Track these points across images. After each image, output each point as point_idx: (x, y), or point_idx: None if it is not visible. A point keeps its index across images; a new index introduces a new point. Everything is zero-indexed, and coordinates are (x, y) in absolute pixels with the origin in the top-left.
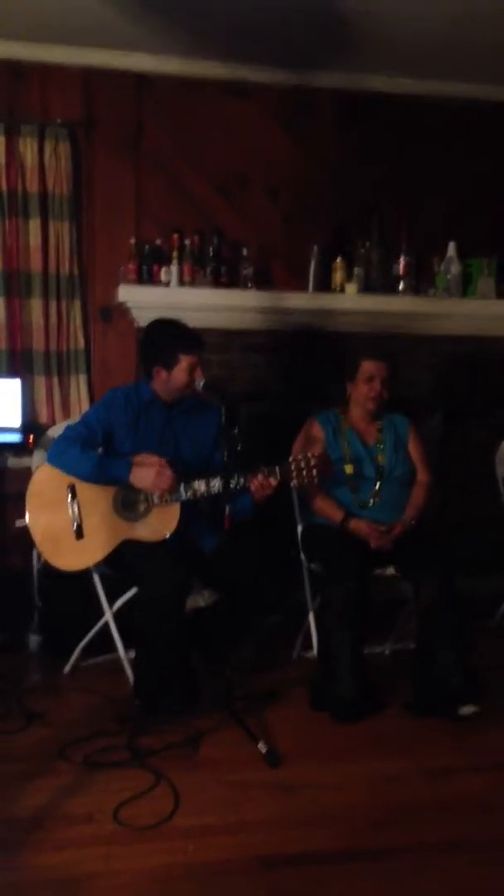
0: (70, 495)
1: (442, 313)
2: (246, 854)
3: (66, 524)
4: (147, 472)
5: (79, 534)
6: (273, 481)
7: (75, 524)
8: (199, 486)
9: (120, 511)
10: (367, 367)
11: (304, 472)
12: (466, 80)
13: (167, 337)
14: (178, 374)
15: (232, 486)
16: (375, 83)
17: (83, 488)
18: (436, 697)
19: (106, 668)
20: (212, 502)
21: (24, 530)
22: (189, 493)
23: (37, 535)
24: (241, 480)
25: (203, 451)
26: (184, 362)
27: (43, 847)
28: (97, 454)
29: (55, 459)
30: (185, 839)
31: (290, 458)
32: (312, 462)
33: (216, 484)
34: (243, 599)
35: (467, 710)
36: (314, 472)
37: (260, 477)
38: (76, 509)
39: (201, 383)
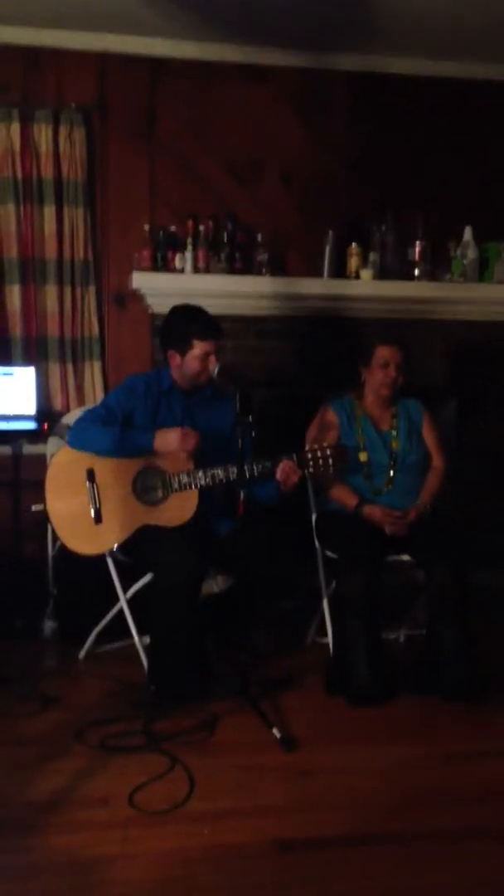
0: (88, 479)
1: (458, 299)
2: (261, 838)
3: (85, 508)
4: (171, 436)
5: (97, 518)
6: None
7: (94, 508)
8: (218, 472)
9: (139, 495)
10: (383, 352)
11: (321, 462)
12: (485, 62)
13: (184, 322)
14: (191, 360)
15: (247, 473)
16: (392, 65)
17: (102, 472)
18: (438, 682)
19: (121, 653)
20: (227, 488)
21: (41, 515)
22: (208, 480)
23: (55, 519)
24: (263, 466)
25: (222, 439)
26: (197, 349)
27: (59, 829)
28: (118, 428)
29: (76, 441)
30: (200, 823)
31: (307, 448)
32: (329, 452)
33: (235, 471)
34: (258, 585)
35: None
36: (330, 461)
37: (288, 463)
38: (95, 493)
39: (216, 369)
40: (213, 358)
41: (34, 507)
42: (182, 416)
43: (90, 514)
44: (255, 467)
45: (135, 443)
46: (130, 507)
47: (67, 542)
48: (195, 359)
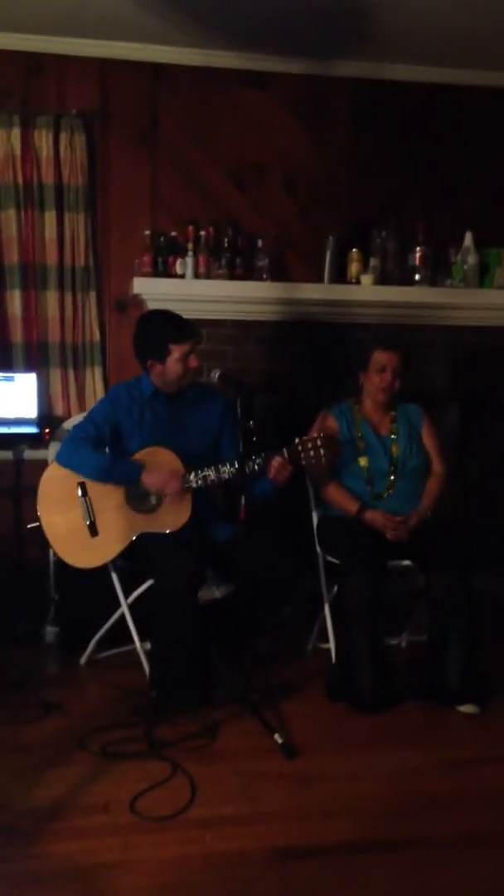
0: (81, 492)
1: (458, 304)
2: (262, 845)
3: (80, 522)
4: (158, 475)
5: (92, 531)
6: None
7: (88, 522)
8: (210, 473)
9: (132, 504)
10: (379, 357)
11: (312, 452)
12: (486, 69)
13: (157, 329)
14: (172, 364)
15: (246, 470)
16: (393, 72)
17: (94, 485)
18: (438, 688)
19: (122, 659)
20: (227, 493)
21: (40, 531)
22: (199, 482)
23: (51, 535)
24: (255, 464)
25: (210, 438)
26: (175, 353)
27: (60, 836)
28: (108, 455)
29: (66, 460)
30: (202, 830)
31: (297, 440)
32: (319, 442)
33: (226, 470)
34: (258, 591)
35: (466, 709)
36: (321, 451)
37: (278, 459)
38: (88, 506)
39: (217, 374)
40: (193, 358)
41: (30, 525)
42: (169, 422)
43: (85, 527)
44: (249, 465)
45: (123, 473)
46: (125, 517)
47: (65, 557)
48: (176, 362)
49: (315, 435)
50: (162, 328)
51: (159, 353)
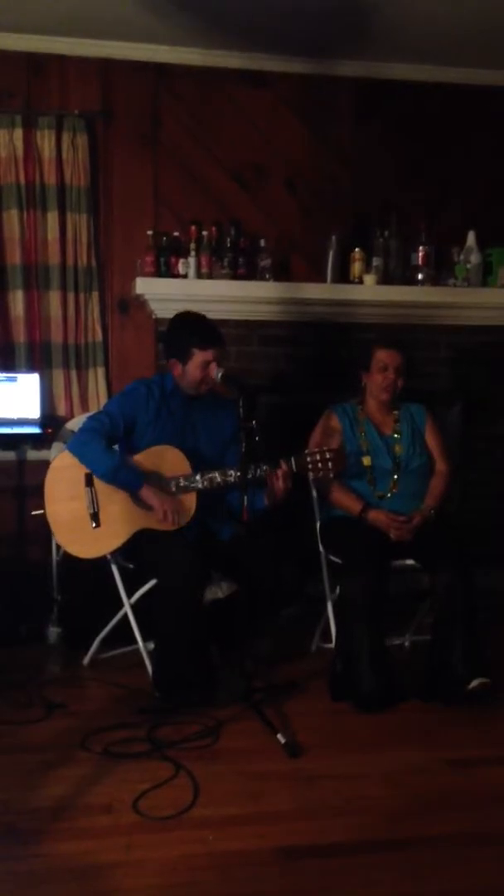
0: (87, 484)
1: (461, 303)
2: (266, 845)
3: (83, 513)
4: (157, 497)
5: (96, 522)
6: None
7: (91, 512)
8: (216, 476)
9: (136, 500)
10: (381, 356)
11: (321, 466)
12: (487, 68)
13: (184, 331)
14: (192, 368)
15: (249, 475)
16: (395, 71)
17: None
18: (445, 684)
19: (125, 659)
20: (231, 494)
21: (43, 520)
22: (206, 483)
23: (54, 524)
24: (261, 470)
25: (220, 445)
26: (198, 357)
27: (63, 836)
28: (118, 455)
29: (77, 449)
30: (205, 830)
31: (306, 451)
32: (329, 456)
33: (233, 474)
34: (262, 591)
35: (476, 682)
36: (329, 465)
37: (283, 468)
38: (93, 497)
39: (220, 374)
40: (213, 366)
41: (34, 513)
42: (183, 420)
43: (88, 518)
44: (255, 470)
45: (126, 480)
46: (129, 512)
47: (66, 545)
48: (196, 367)
49: (325, 448)
50: (188, 331)
51: (182, 354)
